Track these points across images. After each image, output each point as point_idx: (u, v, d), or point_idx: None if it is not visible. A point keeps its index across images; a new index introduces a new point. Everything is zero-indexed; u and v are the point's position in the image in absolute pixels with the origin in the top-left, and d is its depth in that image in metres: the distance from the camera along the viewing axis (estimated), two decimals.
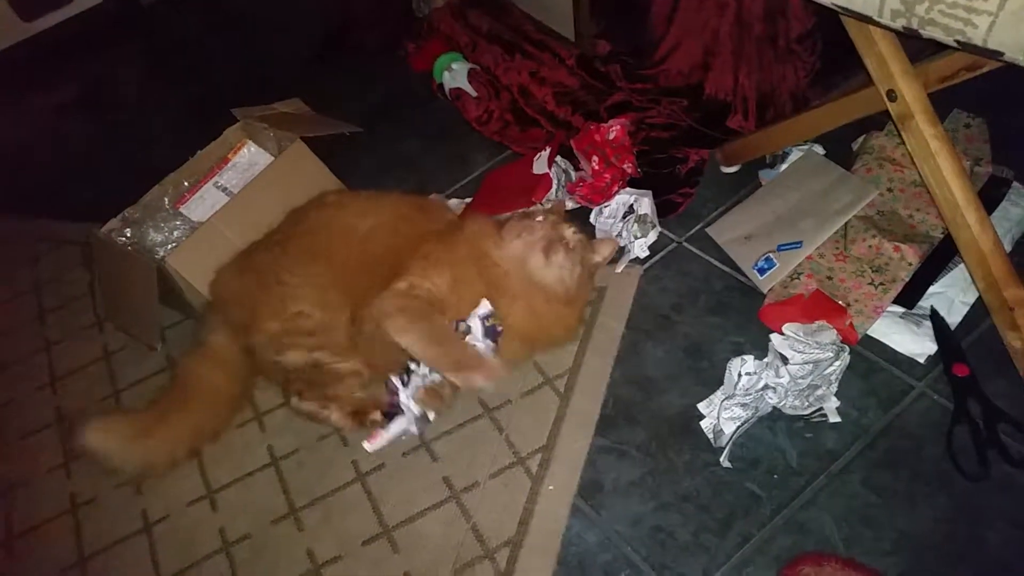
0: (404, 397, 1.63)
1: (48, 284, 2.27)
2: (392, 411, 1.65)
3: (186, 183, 2.07)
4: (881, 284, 1.61)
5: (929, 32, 1.16)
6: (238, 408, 1.78)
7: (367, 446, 1.64)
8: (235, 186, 2.05)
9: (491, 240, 1.64)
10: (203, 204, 2.03)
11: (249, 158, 2.10)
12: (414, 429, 1.64)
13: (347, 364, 1.66)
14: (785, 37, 1.90)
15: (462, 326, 1.59)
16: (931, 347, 1.56)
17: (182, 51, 3.20)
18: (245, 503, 1.63)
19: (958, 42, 1.15)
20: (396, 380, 1.63)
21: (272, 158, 2.07)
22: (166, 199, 2.03)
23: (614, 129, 1.96)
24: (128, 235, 1.94)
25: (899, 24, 1.20)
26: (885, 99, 1.48)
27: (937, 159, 1.44)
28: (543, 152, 2.02)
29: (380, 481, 1.61)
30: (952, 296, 1.62)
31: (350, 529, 1.55)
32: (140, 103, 2.99)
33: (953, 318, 1.59)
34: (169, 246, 1.94)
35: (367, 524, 1.55)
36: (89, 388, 1.95)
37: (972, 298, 1.60)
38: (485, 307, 1.59)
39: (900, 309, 1.62)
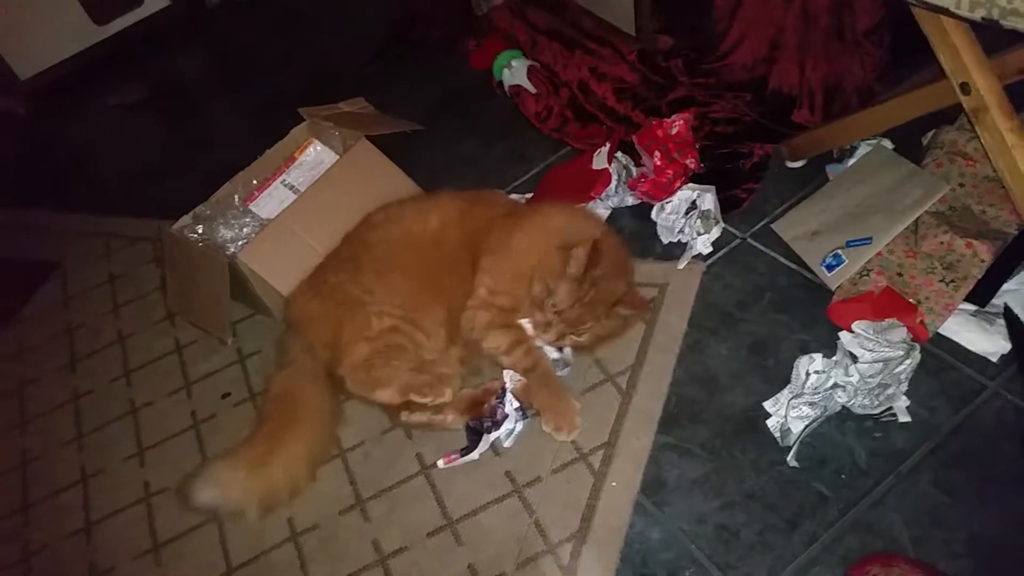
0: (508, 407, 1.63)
1: (121, 279, 2.34)
2: (479, 427, 1.63)
3: (255, 181, 2.12)
4: (952, 281, 1.58)
5: (1011, 22, 1.13)
6: (338, 422, 1.76)
7: (441, 464, 1.63)
8: (302, 184, 2.09)
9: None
10: (272, 201, 2.08)
11: (315, 156, 2.14)
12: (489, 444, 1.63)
13: (444, 371, 1.68)
14: (852, 30, 1.87)
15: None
16: (1004, 346, 1.53)
17: (247, 51, 3.28)
18: (313, 494, 1.66)
19: None
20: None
21: (338, 156, 2.11)
22: (236, 197, 2.08)
23: (677, 124, 1.95)
24: (200, 231, 2.00)
25: (978, 15, 1.17)
26: (958, 92, 1.45)
27: (1013, 153, 1.41)
28: (603, 148, 2.01)
29: (444, 474, 1.63)
30: None
31: (415, 521, 1.58)
32: (207, 103, 3.07)
33: None
34: (239, 243, 1.99)
35: (432, 516, 1.58)
36: (161, 381, 2.01)
37: None
38: None
39: (972, 307, 1.58)
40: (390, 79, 2.74)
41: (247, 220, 2.06)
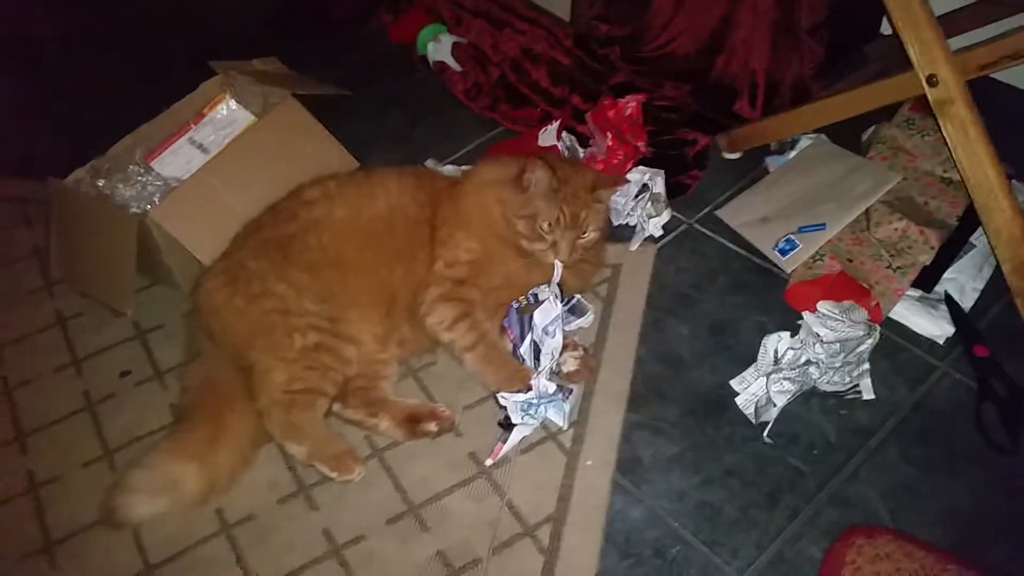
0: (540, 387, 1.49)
1: None
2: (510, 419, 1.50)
3: (157, 137, 1.88)
4: (900, 268, 1.64)
5: None
6: None
7: (489, 462, 1.47)
8: (212, 143, 1.87)
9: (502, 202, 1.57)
10: (176, 160, 1.85)
11: (228, 115, 1.91)
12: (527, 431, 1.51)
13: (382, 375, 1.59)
14: (797, 26, 1.92)
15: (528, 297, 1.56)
16: (949, 329, 1.61)
17: (124, 6, 2.90)
18: (245, 480, 1.47)
19: None
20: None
21: (253, 116, 1.91)
22: (137, 152, 1.84)
23: (630, 105, 1.92)
24: (100, 186, 1.75)
25: None
26: (924, 84, 1.52)
27: (976, 145, 1.49)
28: (550, 125, 1.96)
29: (399, 457, 1.51)
30: (963, 282, 1.67)
31: (371, 507, 1.44)
32: (80, 61, 2.67)
33: (965, 303, 1.65)
34: (143, 203, 1.76)
35: (390, 502, 1.44)
36: (42, 357, 1.73)
37: (982, 284, 1.67)
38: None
39: (917, 292, 1.66)
40: (292, 45, 2.50)
41: (150, 179, 1.82)
